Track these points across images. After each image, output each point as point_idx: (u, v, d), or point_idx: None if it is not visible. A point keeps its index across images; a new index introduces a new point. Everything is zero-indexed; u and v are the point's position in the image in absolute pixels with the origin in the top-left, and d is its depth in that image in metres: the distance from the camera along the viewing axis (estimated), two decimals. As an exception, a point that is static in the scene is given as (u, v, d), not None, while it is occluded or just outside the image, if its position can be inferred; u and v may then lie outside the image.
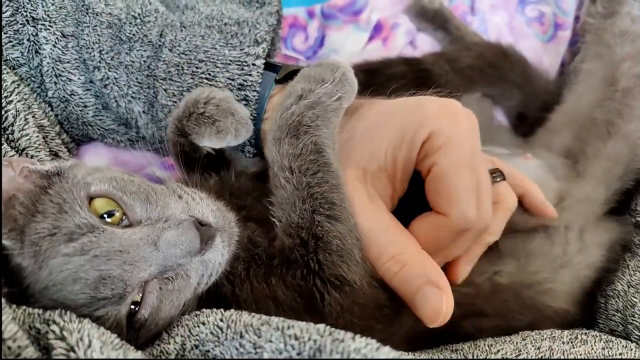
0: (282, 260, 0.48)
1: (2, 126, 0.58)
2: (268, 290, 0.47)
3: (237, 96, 0.58)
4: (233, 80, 0.58)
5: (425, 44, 0.90)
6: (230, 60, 0.59)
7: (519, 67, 0.84)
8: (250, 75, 0.58)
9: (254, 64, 0.58)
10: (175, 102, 0.59)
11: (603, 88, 0.70)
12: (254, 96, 0.58)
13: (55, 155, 0.64)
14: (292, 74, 0.59)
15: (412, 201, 0.52)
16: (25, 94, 0.62)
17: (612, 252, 0.64)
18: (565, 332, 0.52)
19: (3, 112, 0.58)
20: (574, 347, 0.49)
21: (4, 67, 0.62)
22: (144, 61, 0.60)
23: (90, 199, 0.44)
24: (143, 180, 0.48)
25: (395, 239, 0.49)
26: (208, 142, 0.56)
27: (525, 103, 0.85)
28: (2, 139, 0.57)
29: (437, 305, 0.45)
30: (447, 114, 0.50)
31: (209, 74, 0.59)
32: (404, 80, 0.76)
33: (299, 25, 0.88)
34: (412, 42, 0.91)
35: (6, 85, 0.60)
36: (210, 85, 0.58)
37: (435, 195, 0.48)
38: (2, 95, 0.59)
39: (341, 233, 0.47)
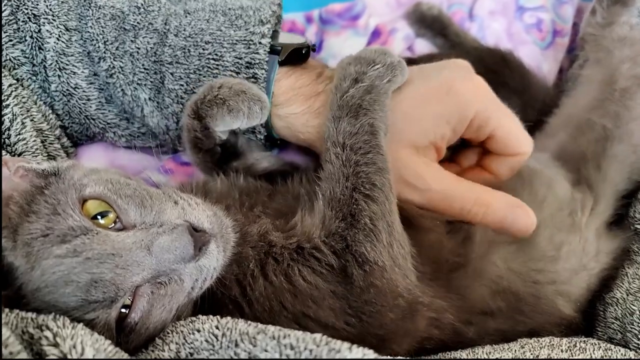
0: (320, 234, 0.50)
1: None
2: (286, 283, 0.48)
3: (246, 74, 0.59)
4: (240, 59, 0.59)
5: (424, 50, 0.90)
6: (237, 40, 0.60)
7: (518, 73, 0.84)
8: (257, 53, 0.59)
9: (260, 42, 0.59)
10: (182, 85, 0.60)
11: (601, 89, 0.70)
12: (262, 74, 0.59)
13: (53, 159, 0.63)
14: (293, 53, 0.60)
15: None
16: (24, 97, 0.62)
17: (617, 260, 0.64)
18: (564, 340, 0.52)
19: None
20: (572, 355, 0.49)
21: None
22: (150, 48, 0.60)
23: (84, 200, 0.43)
24: (140, 184, 0.48)
25: (468, 186, 0.57)
26: (222, 124, 0.58)
27: (523, 109, 0.85)
28: None
29: (527, 218, 0.55)
30: (475, 87, 0.59)
31: (216, 54, 0.60)
32: None
33: (297, 30, 0.88)
34: (411, 47, 0.91)
35: (3, 89, 0.59)
36: (217, 65, 0.59)
37: (505, 147, 0.60)
38: None
39: (374, 213, 0.50)
